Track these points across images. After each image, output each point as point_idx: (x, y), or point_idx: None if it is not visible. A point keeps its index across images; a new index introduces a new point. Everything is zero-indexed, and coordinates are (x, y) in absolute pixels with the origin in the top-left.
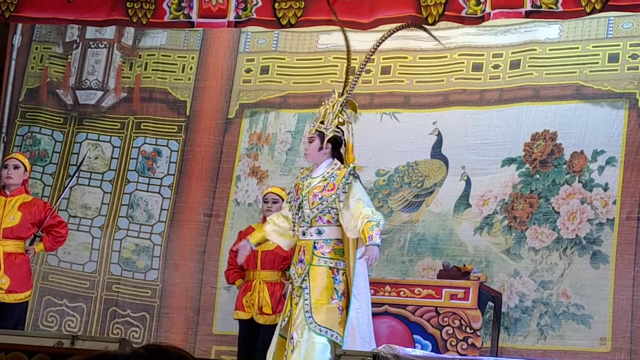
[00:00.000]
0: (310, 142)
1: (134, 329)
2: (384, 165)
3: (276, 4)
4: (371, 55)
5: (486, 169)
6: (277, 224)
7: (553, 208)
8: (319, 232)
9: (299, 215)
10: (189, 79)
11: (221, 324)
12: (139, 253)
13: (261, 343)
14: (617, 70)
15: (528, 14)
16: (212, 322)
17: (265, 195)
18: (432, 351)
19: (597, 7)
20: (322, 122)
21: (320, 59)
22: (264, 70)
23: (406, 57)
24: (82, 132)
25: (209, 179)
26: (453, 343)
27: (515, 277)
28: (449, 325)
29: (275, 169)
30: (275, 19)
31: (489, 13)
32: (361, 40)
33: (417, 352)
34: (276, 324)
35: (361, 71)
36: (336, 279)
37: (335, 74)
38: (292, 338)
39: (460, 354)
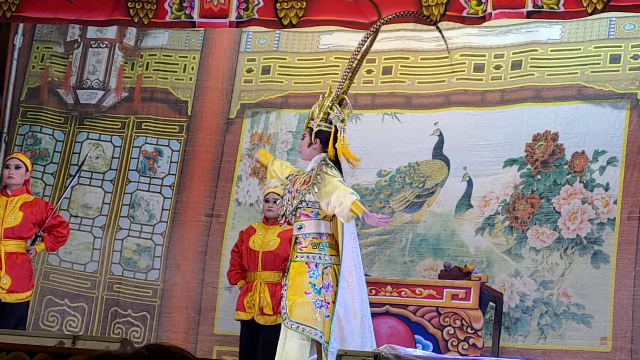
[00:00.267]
0: (302, 139)
1: (135, 328)
2: (386, 165)
3: (278, 4)
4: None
5: (488, 170)
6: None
7: (554, 208)
8: (300, 227)
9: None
10: (191, 79)
11: (222, 324)
12: (140, 253)
13: (262, 344)
14: (618, 71)
15: (529, 14)
16: (213, 322)
17: (267, 195)
18: (433, 351)
19: (599, 7)
20: (312, 119)
21: (322, 59)
22: (265, 70)
23: (408, 58)
24: (83, 132)
25: (210, 179)
26: (454, 343)
27: (516, 277)
28: (450, 325)
29: None
30: (276, 19)
31: (491, 13)
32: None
33: (418, 352)
34: (277, 325)
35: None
36: (312, 273)
37: (337, 74)
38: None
39: (462, 354)
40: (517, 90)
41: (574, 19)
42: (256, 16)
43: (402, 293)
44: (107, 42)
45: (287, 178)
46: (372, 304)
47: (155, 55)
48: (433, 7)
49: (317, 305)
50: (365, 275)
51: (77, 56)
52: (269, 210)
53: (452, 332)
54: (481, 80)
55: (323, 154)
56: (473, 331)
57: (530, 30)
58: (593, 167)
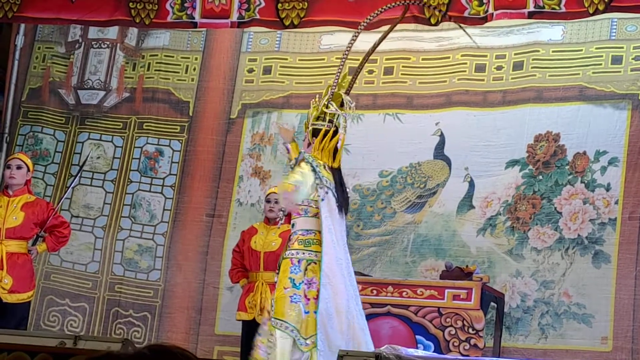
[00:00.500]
0: (304, 141)
1: (136, 329)
2: (387, 166)
3: (279, 5)
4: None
5: (489, 170)
6: None
7: (555, 209)
8: (293, 225)
9: None
10: (192, 79)
11: (223, 325)
12: (142, 253)
13: None
14: (620, 71)
15: (531, 15)
16: (214, 322)
17: (268, 195)
18: (434, 352)
19: (600, 8)
20: (309, 121)
21: (323, 59)
22: (267, 70)
23: (409, 58)
24: (84, 132)
25: (211, 179)
26: (455, 344)
27: (517, 277)
28: (451, 325)
29: (278, 169)
30: (278, 19)
31: (492, 14)
32: (363, 41)
33: (420, 352)
34: None
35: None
36: (293, 269)
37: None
38: None
39: (463, 355)
40: (518, 91)
41: (575, 20)
42: (258, 17)
43: (404, 293)
44: (108, 43)
45: None
46: (373, 305)
47: (157, 55)
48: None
49: (292, 300)
50: (367, 275)
51: (78, 56)
52: (270, 211)
53: (453, 332)
54: (482, 80)
55: (307, 154)
56: (474, 332)
57: (532, 31)
58: (594, 168)
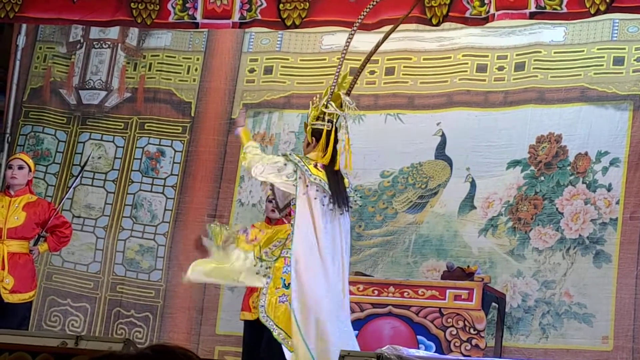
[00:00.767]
0: (303, 141)
1: (138, 329)
2: (388, 166)
3: (281, 5)
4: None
5: (491, 171)
6: None
7: (557, 209)
8: (291, 225)
9: None
10: (194, 80)
11: (224, 325)
12: (143, 253)
13: (265, 343)
14: (622, 73)
15: (532, 15)
16: (215, 322)
17: (269, 195)
18: (435, 352)
19: (602, 8)
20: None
21: (324, 59)
22: (268, 70)
23: (410, 58)
24: (85, 132)
25: (212, 179)
26: (457, 344)
27: (518, 278)
28: (452, 326)
29: None
30: (279, 19)
31: (494, 14)
32: (365, 41)
33: (421, 353)
34: None
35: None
36: (285, 269)
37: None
38: None
39: (464, 355)
40: (520, 92)
41: (577, 21)
42: (259, 17)
43: (405, 294)
44: (109, 43)
45: None
46: (374, 305)
47: (158, 55)
48: (436, 8)
49: (280, 300)
50: (368, 275)
51: (79, 57)
52: (272, 212)
53: (454, 332)
54: (484, 81)
55: (290, 153)
56: (476, 332)
57: (534, 32)
58: (596, 168)
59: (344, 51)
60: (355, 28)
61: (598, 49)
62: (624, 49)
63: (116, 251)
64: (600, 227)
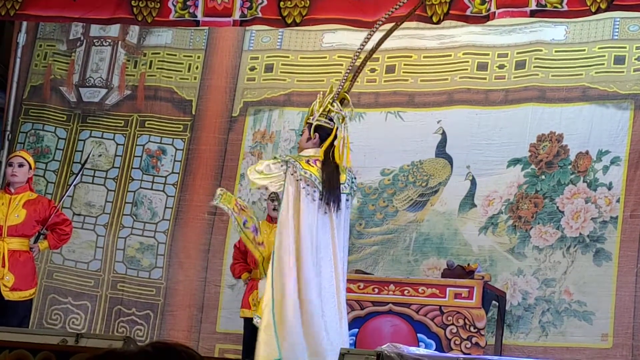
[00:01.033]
0: (302, 135)
1: (139, 327)
2: (389, 164)
3: (281, 3)
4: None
5: (491, 169)
6: None
7: (558, 208)
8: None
9: None
10: (195, 78)
11: (225, 322)
12: (144, 251)
13: None
14: (622, 72)
15: (533, 13)
16: (215, 320)
17: (271, 194)
18: (436, 350)
19: (602, 6)
20: (311, 115)
21: (325, 57)
22: (268, 68)
23: (411, 56)
24: (85, 130)
25: (213, 177)
26: (457, 342)
27: (518, 276)
28: (453, 324)
29: None
30: (280, 17)
31: (494, 12)
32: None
33: (421, 351)
34: None
35: (353, 70)
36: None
37: (340, 72)
38: None
39: (464, 353)
40: (520, 90)
41: (578, 19)
42: (260, 15)
43: (405, 292)
44: (109, 40)
45: None
46: (375, 303)
47: (159, 53)
48: (436, 6)
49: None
50: (369, 274)
51: (79, 54)
52: (274, 210)
53: (455, 330)
54: (485, 79)
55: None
56: (476, 330)
57: (534, 30)
58: (597, 167)
59: (358, 52)
60: (375, 28)
61: (599, 48)
62: (625, 47)
63: (117, 249)
64: (601, 226)
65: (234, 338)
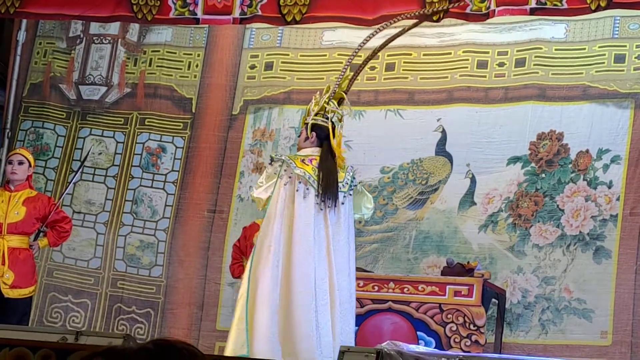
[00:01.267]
0: (299, 136)
1: (139, 325)
2: (389, 162)
3: (281, 1)
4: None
5: (491, 167)
6: None
7: (558, 206)
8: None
9: None
10: (195, 76)
11: (225, 320)
12: (144, 249)
13: None
14: (623, 70)
15: (533, 11)
16: (215, 318)
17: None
18: (435, 348)
19: (602, 4)
20: (308, 115)
21: (325, 55)
22: (268, 66)
23: (410, 54)
24: (85, 128)
25: (212, 174)
26: (457, 340)
27: (518, 274)
28: (452, 322)
29: None
30: (280, 15)
31: (494, 10)
32: (364, 37)
33: (421, 348)
34: None
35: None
36: None
37: (339, 70)
38: None
39: (464, 351)
40: (520, 88)
41: (578, 17)
42: (260, 13)
43: (405, 290)
44: (109, 38)
45: None
46: (374, 301)
47: (159, 51)
48: (436, 4)
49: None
50: (369, 272)
51: (79, 52)
52: None
53: (454, 328)
54: (484, 77)
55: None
56: (476, 328)
57: (534, 28)
58: (597, 166)
59: (356, 51)
60: (376, 32)
61: (599, 47)
62: (625, 46)
63: (117, 247)
64: (601, 224)
65: None
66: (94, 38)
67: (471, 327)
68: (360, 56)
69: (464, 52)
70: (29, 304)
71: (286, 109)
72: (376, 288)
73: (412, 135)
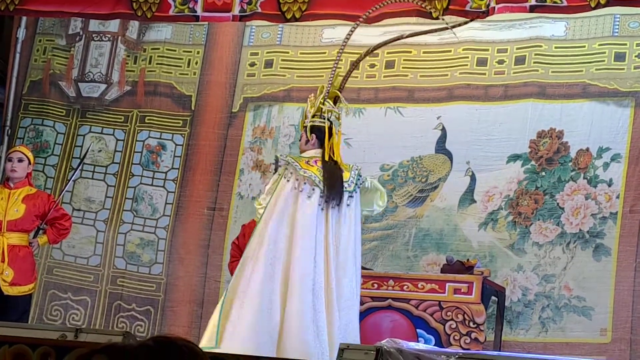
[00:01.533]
0: (300, 140)
1: (139, 322)
2: (389, 160)
3: None
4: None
5: (491, 165)
6: None
7: (558, 204)
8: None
9: None
10: (195, 73)
11: None
12: (144, 247)
13: None
14: (623, 69)
15: (532, 9)
16: None
17: None
18: (435, 345)
19: (602, 1)
20: (306, 118)
21: (324, 52)
22: (268, 64)
23: (410, 52)
24: (85, 125)
25: (212, 172)
26: (456, 337)
27: (518, 272)
28: (452, 319)
29: None
30: (280, 12)
31: (494, 7)
32: (365, 35)
33: (421, 346)
34: None
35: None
36: None
37: (340, 68)
38: None
39: (464, 349)
40: (520, 86)
41: (578, 15)
42: (259, 10)
43: (405, 287)
44: (109, 36)
45: None
46: (374, 298)
47: (159, 49)
48: (436, 1)
49: None
50: (369, 269)
51: (79, 49)
52: None
53: (454, 326)
54: (484, 74)
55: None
56: (475, 325)
57: (534, 26)
58: (597, 164)
59: (342, 48)
60: (358, 24)
61: (599, 45)
62: (625, 44)
63: (117, 244)
64: (601, 221)
65: None
66: (94, 35)
67: (471, 324)
68: (358, 53)
69: (463, 49)
70: (29, 301)
71: (286, 107)
72: (376, 285)
73: (412, 133)
